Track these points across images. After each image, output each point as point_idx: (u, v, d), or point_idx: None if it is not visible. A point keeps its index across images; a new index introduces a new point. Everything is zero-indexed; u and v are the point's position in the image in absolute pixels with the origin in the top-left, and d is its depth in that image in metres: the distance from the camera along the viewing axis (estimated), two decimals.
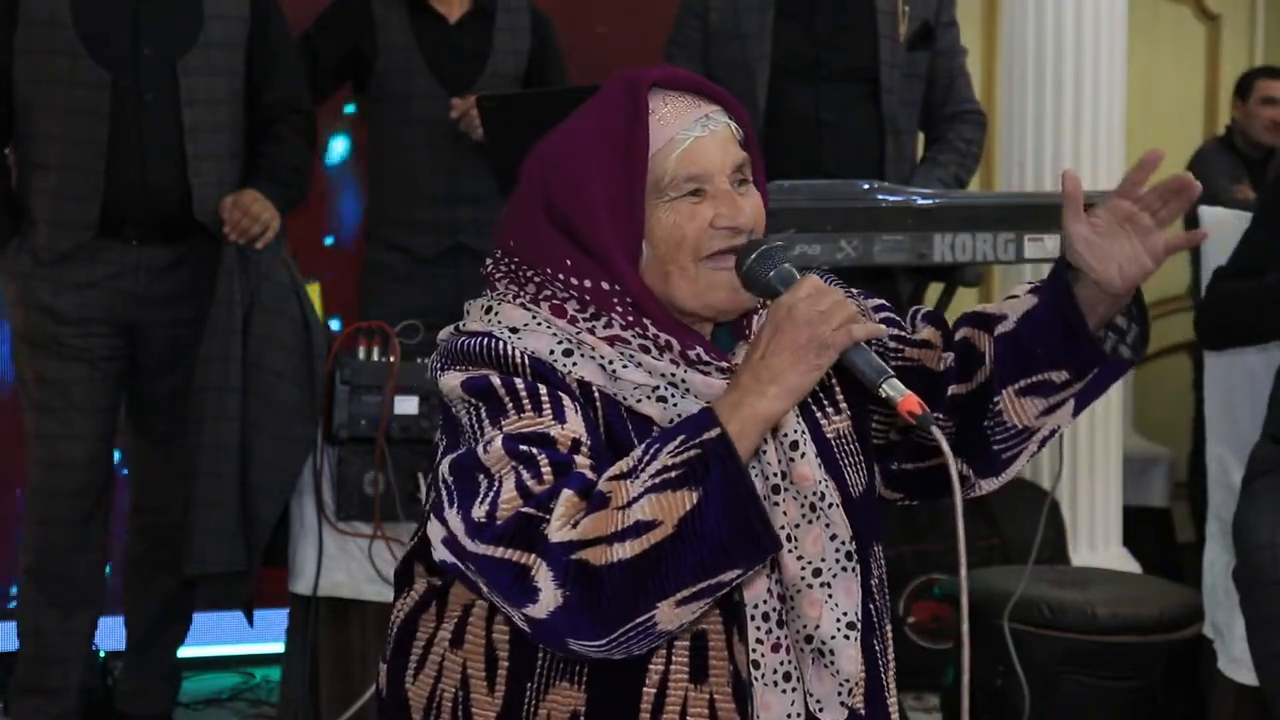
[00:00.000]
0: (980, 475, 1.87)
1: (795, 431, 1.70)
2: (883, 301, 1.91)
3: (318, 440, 3.29)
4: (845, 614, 1.71)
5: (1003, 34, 4.76)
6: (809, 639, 1.70)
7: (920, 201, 3.09)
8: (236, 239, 3.27)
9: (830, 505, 1.71)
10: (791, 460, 1.69)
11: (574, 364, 1.68)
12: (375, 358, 3.28)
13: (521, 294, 1.72)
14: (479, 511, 1.58)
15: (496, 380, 1.65)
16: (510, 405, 1.63)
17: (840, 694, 1.71)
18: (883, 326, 1.69)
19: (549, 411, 1.63)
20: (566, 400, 1.65)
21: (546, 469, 1.59)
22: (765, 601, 1.69)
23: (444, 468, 1.65)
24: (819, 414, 1.78)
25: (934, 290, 3.44)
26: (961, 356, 1.83)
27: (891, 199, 3.10)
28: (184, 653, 3.72)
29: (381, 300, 3.83)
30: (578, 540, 1.54)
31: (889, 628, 1.83)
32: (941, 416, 1.81)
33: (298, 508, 3.34)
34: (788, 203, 2.97)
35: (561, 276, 1.69)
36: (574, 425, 1.63)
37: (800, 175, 3.28)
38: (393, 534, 3.24)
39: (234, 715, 4.01)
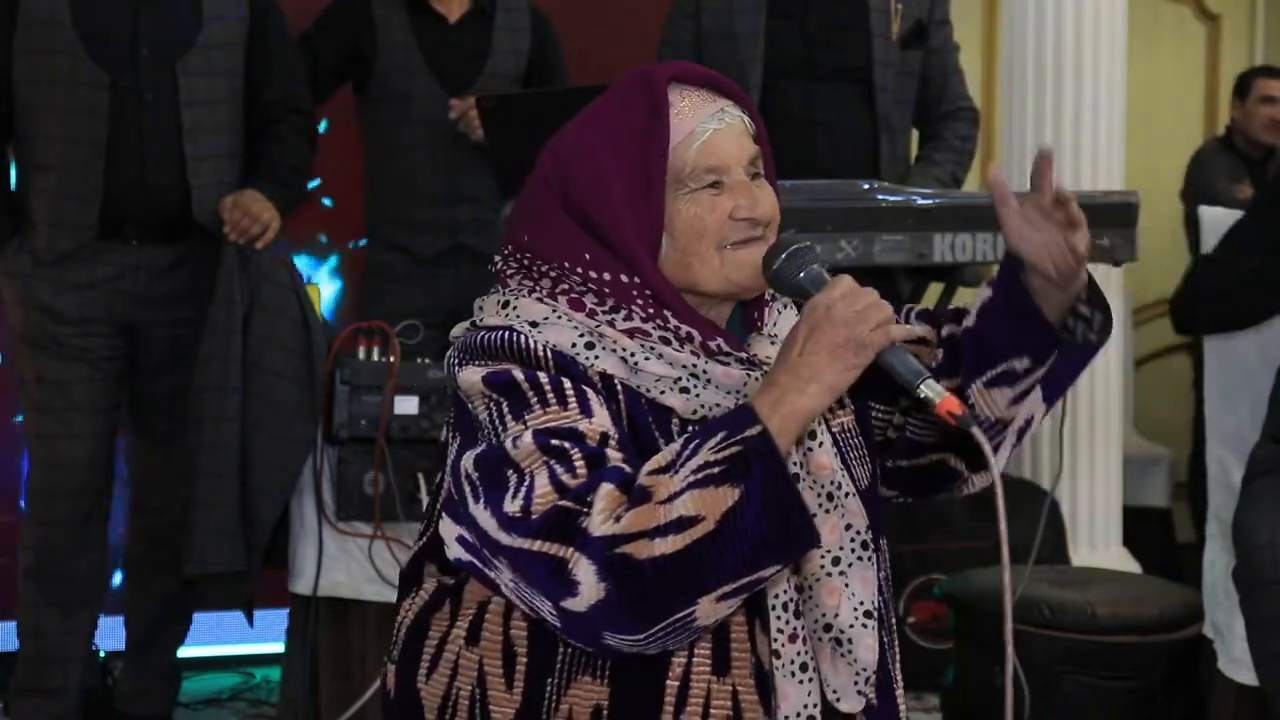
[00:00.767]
0: (972, 470, 1.89)
1: (813, 421, 1.70)
2: (911, 305, 1.94)
3: (318, 440, 3.30)
4: (862, 603, 1.73)
5: (1003, 34, 4.77)
6: (828, 628, 1.71)
7: (920, 201, 3.09)
8: (236, 239, 3.27)
9: (847, 494, 1.73)
10: (809, 450, 1.71)
11: (595, 357, 1.68)
12: (375, 358, 3.28)
13: (537, 288, 1.72)
14: (513, 506, 1.59)
15: (519, 374, 1.65)
16: (535, 400, 1.64)
17: (857, 683, 1.72)
18: (920, 329, 1.72)
19: (575, 405, 1.63)
20: (591, 394, 1.66)
21: (580, 463, 1.59)
22: (785, 592, 1.70)
23: (467, 463, 1.65)
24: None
25: (934, 290, 3.44)
26: (947, 354, 1.84)
27: (891, 199, 3.10)
28: (184, 653, 3.72)
29: (382, 300, 3.83)
30: (621, 534, 1.54)
31: (894, 620, 1.85)
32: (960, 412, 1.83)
33: (298, 508, 3.34)
34: (787, 203, 2.94)
35: (580, 270, 1.70)
36: (601, 419, 1.64)
37: (795, 175, 3.28)
38: (393, 534, 3.24)
39: (234, 715, 4.01)
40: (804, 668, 1.70)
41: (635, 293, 1.69)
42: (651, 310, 1.69)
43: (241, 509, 3.25)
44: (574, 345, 1.68)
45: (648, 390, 1.69)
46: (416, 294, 3.83)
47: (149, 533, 3.55)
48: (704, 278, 1.72)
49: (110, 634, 3.71)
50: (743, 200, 1.72)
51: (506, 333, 1.68)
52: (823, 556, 1.71)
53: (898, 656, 1.83)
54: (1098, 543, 4.48)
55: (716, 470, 1.55)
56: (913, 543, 4.03)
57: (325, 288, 4.57)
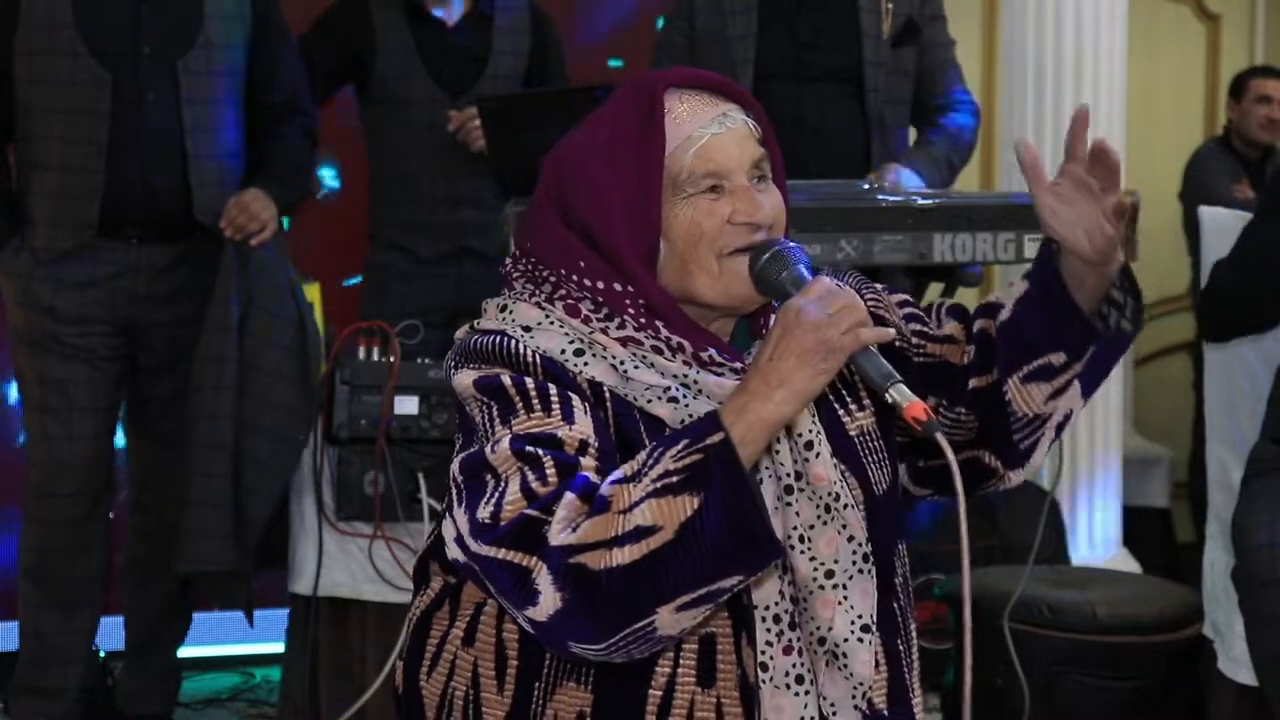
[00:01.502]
0: (1008, 466, 1.86)
1: (810, 431, 1.68)
2: (906, 297, 1.90)
3: (317, 440, 3.30)
4: (860, 616, 1.69)
5: (1003, 34, 4.77)
6: (822, 641, 1.69)
7: (920, 201, 3.09)
8: (233, 235, 3.27)
9: (846, 506, 1.69)
10: (806, 460, 1.68)
11: (585, 364, 1.68)
12: (375, 358, 3.28)
13: (537, 293, 1.72)
14: (484, 512, 1.59)
15: (508, 379, 1.65)
16: (520, 405, 1.64)
17: (854, 697, 1.70)
18: (891, 331, 1.68)
19: (558, 412, 1.63)
20: (576, 400, 1.65)
21: (551, 471, 1.59)
22: (777, 603, 1.68)
23: (454, 467, 1.66)
24: (841, 411, 1.77)
25: (934, 290, 3.44)
26: (980, 349, 1.82)
27: (891, 199, 3.09)
28: (184, 653, 3.72)
29: (383, 300, 3.83)
30: (577, 544, 1.54)
31: (914, 627, 1.82)
32: (964, 411, 1.81)
33: (298, 508, 3.34)
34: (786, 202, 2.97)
35: (576, 278, 1.70)
36: (582, 426, 1.63)
37: (787, 177, 3.28)
38: (393, 534, 3.24)
39: (234, 715, 4.01)
40: (800, 680, 1.68)
41: (628, 302, 1.68)
42: (643, 320, 1.68)
43: (235, 508, 3.25)
44: (563, 351, 1.68)
45: (637, 399, 1.68)
46: (418, 294, 3.83)
47: (149, 533, 3.54)
48: (702, 285, 1.71)
49: (110, 634, 3.71)
50: (741, 204, 1.71)
51: (499, 337, 1.68)
52: (816, 569, 1.68)
53: (916, 664, 1.80)
54: (1098, 543, 4.48)
55: (676, 479, 1.54)
56: (913, 543, 4.02)
57: None
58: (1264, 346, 3.07)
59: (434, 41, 3.86)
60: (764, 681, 1.67)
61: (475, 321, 1.76)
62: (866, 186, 3.19)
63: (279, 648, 3.63)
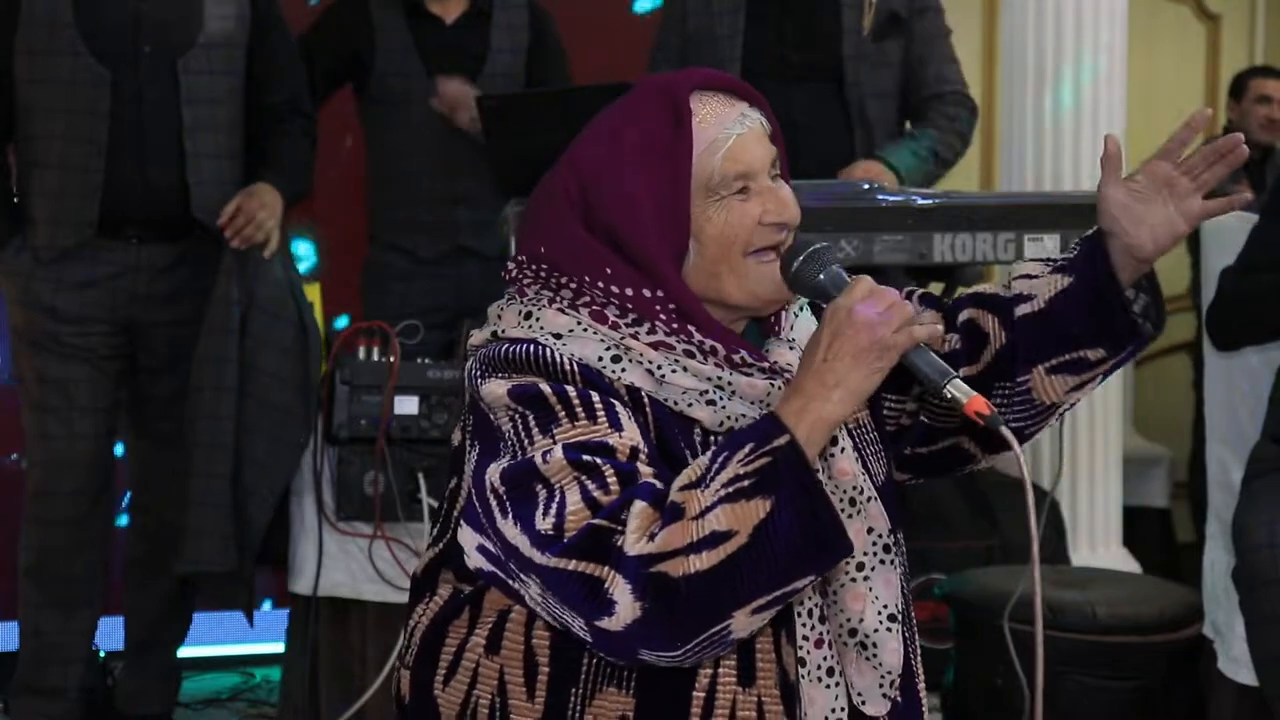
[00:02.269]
0: (989, 452, 1.89)
1: (839, 427, 1.69)
2: (912, 287, 1.94)
3: (317, 440, 3.30)
4: (886, 606, 1.73)
5: (1003, 34, 4.76)
6: (853, 633, 1.71)
7: (920, 201, 3.09)
8: (239, 245, 3.27)
9: (869, 499, 1.72)
10: (831, 456, 1.70)
11: (622, 370, 1.67)
12: (375, 358, 3.28)
13: (558, 299, 1.71)
14: (545, 524, 1.58)
15: (546, 388, 1.64)
16: (563, 414, 1.63)
17: (882, 686, 1.73)
18: (940, 327, 1.70)
19: (604, 419, 1.63)
20: (619, 407, 1.65)
21: (612, 479, 1.58)
22: (810, 598, 1.69)
23: (493, 478, 1.64)
24: None
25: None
26: (967, 338, 1.84)
27: (891, 199, 3.09)
28: (184, 653, 3.72)
29: (382, 300, 3.83)
30: (656, 553, 1.54)
31: (913, 616, 1.85)
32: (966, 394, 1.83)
33: (298, 508, 3.34)
34: None
35: (601, 284, 1.69)
36: (631, 433, 1.63)
37: None
38: (393, 534, 3.24)
39: (234, 715, 4.01)
40: (830, 672, 1.70)
41: (659, 307, 1.68)
42: (676, 325, 1.68)
43: (235, 509, 3.25)
44: (600, 359, 1.67)
45: (677, 403, 1.68)
46: (417, 294, 3.83)
47: (149, 533, 3.54)
48: (731, 287, 1.72)
49: (110, 634, 3.71)
50: (770, 205, 1.72)
51: (531, 345, 1.67)
52: (847, 562, 1.70)
53: (919, 651, 1.84)
54: (1098, 543, 4.47)
55: (747, 483, 1.54)
56: (913, 542, 4.02)
57: None
58: (1264, 347, 3.06)
59: (432, 40, 3.86)
60: (803, 676, 1.68)
61: (495, 329, 1.74)
62: (867, 186, 3.18)
63: (279, 648, 3.63)
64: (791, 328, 1.81)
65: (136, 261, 3.40)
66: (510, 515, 1.61)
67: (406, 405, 3.26)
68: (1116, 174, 1.78)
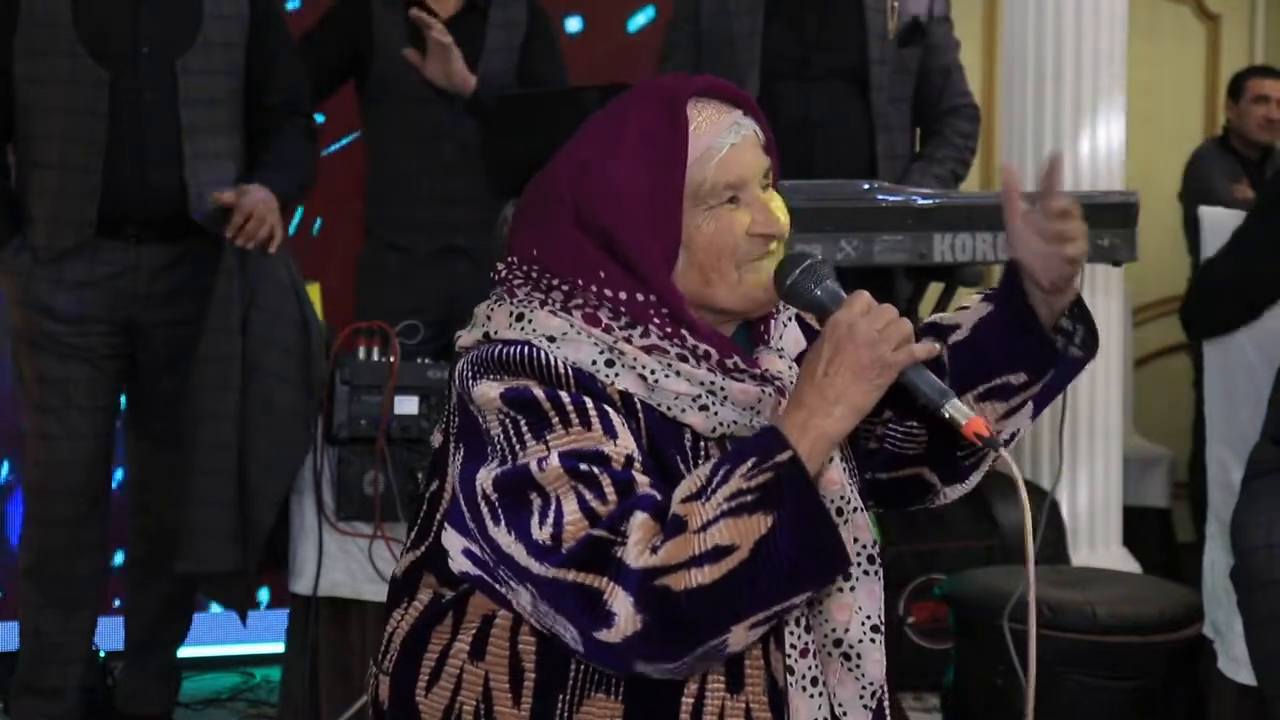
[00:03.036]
0: (946, 483, 1.88)
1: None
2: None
3: (317, 440, 3.29)
4: (869, 617, 1.73)
5: (1003, 34, 4.76)
6: (837, 643, 1.71)
7: (920, 201, 3.09)
8: (243, 243, 3.26)
9: (855, 509, 1.72)
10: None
11: (616, 374, 1.66)
12: (375, 358, 3.28)
13: (549, 301, 1.70)
14: (542, 534, 1.57)
15: (540, 392, 1.63)
16: (556, 419, 1.62)
17: (863, 697, 1.72)
18: (938, 346, 1.70)
19: (598, 426, 1.62)
20: (613, 413, 1.64)
21: (609, 488, 1.58)
22: (798, 608, 1.68)
23: (485, 483, 1.63)
24: None
25: (934, 290, 3.44)
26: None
27: (891, 199, 3.09)
28: (184, 653, 3.72)
29: (377, 298, 3.83)
30: (659, 566, 1.53)
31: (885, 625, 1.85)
32: (915, 425, 1.83)
33: (298, 508, 3.34)
34: (787, 203, 2.97)
35: (594, 287, 1.68)
36: (625, 440, 1.62)
37: (793, 176, 3.28)
38: (393, 534, 3.24)
39: (234, 715, 4.01)
40: (814, 681, 1.70)
41: (652, 311, 1.67)
42: (670, 329, 1.67)
43: (239, 509, 3.25)
44: (594, 363, 1.66)
45: (667, 408, 1.67)
46: (411, 292, 3.82)
47: (149, 533, 3.54)
48: (721, 293, 1.71)
49: (110, 634, 3.71)
50: (759, 216, 1.71)
51: (525, 348, 1.65)
52: None
53: (890, 669, 1.83)
54: (1098, 543, 4.47)
55: (749, 498, 1.54)
56: (913, 543, 4.02)
57: None
58: (1264, 347, 3.07)
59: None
60: (790, 684, 1.68)
61: (486, 330, 1.72)
62: (867, 186, 3.19)
63: (279, 648, 3.63)
64: (780, 337, 1.81)
65: (136, 261, 3.40)
66: (503, 523, 1.60)
67: (406, 405, 3.26)
68: (1014, 206, 1.75)
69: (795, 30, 3.64)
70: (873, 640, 1.72)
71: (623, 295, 1.67)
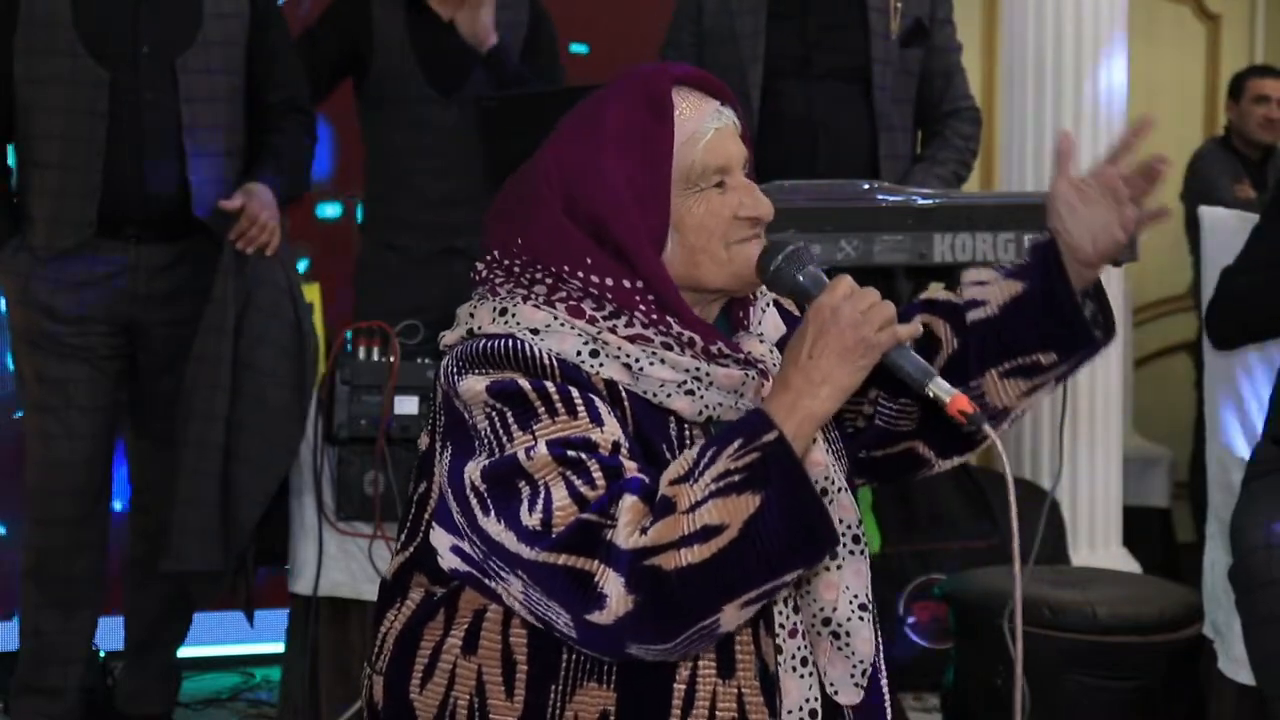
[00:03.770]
0: (943, 456, 1.91)
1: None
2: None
3: (317, 440, 3.29)
4: (856, 596, 1.75)
5: (1003, 34, 4.76)
6: (826, 621, 1.73)
7: (920, 201, 3.09)
8: (244, 248, 3.27)
9: (839, 490, 1.74)
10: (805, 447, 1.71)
11: (600, 364, 1.68)
12: (375, 358, 3.28)
13: (532, 294, 1.71)
14: (532, 520, 1.59)
15: (525, 384, 1.65)
16: (543, 409, 1.63)
17: (854, 675, 1.74)
18: (920, 327, 1.73)
19: (584, 415, 1.64)
20: (599, 402, 1.66)
21: (598, 473, 1.59)
22: (786, 588, 1.70)
23: (473, 476, 1.64)
24: None
25: (934, 290, 3.43)
26: (919, 344, 1.84)
27: (891, 199, 3.10)
28: (184, 653, 3.72)
29: (376, 298, 3.82)
30: (650, 546, 1.55)
31: (875, 607, 1.86)
32: (907, 401, 1.86)
33: (298, 508, 3.35)
34: (788, 203, 2.97)
35: (580, 275, 1.69)
36: (612, 428, 1.64)
37: (795, 175, 3.29)
38: (393, 534, 3.24)
39: (234, 715, 4.01)
40: (804, 662, 1.71)
41: (638, 298, 1.69)
42: (655, 316, 1.69)
43: (223, 509, 3.24)
44: (578, 353, 1.68)
45: (653, 395, 1.69)
46: (410, 292, 3.81)
47: (149, 533, 3.54)
48: (710, 273, 1.73)
49: (110, 634, 3.71)
50: (748, 199, 1.74)
51: (509, 340, 1.67)
52: None
53: (880, 644, 1.83)
54: (1098, 543, 4.47)
55: (737, 478, 1.56)
56: (913, 543, 4.03)
57: None
58: (1264, 347, 3.06)
59: (429, 38, 3.85)
60: (781, 666, 1.69)
61: (469, 326, 1.74)
62: (867, 186, 3.19)
63: (279, 648, 3.63)
64: (760, 322, 1.83)
65: (135, 261, 3.40)
66: (493, 512, 1.61)
67: (406, 405, 3.26)
68: (1066, 172, 1.80)
69: (797, 29, 3.64)
70: (861, 618, 1.74)
71: (609, 282, 1.69)
